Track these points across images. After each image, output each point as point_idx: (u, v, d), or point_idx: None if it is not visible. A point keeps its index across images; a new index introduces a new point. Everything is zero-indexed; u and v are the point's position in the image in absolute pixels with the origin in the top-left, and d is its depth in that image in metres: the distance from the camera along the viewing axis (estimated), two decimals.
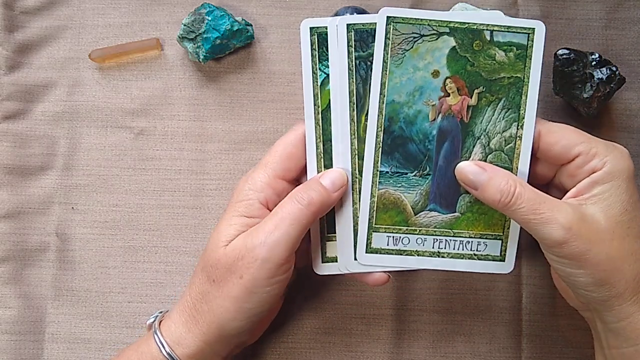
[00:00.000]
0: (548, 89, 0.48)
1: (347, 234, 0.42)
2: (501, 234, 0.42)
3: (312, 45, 0.42)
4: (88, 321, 0.49)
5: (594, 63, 0.46)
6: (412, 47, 0.41)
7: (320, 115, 0.42)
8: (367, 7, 0.49)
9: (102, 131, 0.50)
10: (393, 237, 0.42)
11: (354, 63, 0.41)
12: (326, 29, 0.42)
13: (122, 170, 0.50)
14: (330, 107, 0.42)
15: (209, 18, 0.47)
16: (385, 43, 0.41)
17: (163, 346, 0.40)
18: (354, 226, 0.42)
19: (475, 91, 0.41)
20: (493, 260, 0.42)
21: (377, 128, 0.41)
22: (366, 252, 0.42)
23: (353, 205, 0.42)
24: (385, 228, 0.42)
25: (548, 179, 0.42)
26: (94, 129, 0.50)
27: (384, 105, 0.41)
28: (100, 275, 0.49)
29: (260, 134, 0.50)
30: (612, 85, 0.46)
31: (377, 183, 0.41)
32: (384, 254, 0.42)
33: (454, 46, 0.41)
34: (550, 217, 0.36)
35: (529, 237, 0.47)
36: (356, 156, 0.41)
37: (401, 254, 0.42)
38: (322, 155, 0.42)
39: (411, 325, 0.48)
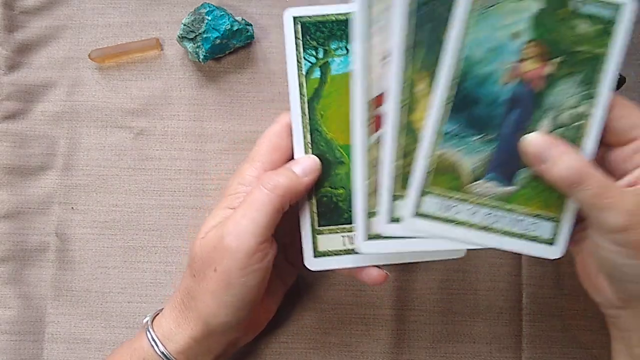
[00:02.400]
0: None
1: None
2: (557, 215, 0.39)
3: (295, 35, 0.41)
4: (88, 321, 0.49)
5: None
6: (496, 4, 0.38)
7: (306, 105, 0.41)
8: None
9: (102, 131, 0.50)
10: (445, 203, 0.39)
11: (414, 6, 0.38)
12: (309, 18, 0.41)
13: (122, 170, 0.50)
14: (315, 96, 0.41)
15: (209, 18, 0.47)
16: None
17: (155, 342, 0.40)
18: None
19: (555, 60, 0.39)
20: (542, 243, 0.39)
21: (450, 82, 0.38)
22: (415, 216, 0.39)
23: (395, 161, 0.39)
24: (438, 192, 0.39)
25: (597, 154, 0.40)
26: (94, 129, 0.50)
27: (461, 60, 0.38)
28: (100, 275, 0.49)
29: (260, 134, 0.49)
30: None
31: (439, 142, 0.39)
32: (432, 220, 0.39)
33: (540, 10, 0.38)
34: (615, 202, 0.35)
35: None
36: (406, 107, 0.39)
37: (450, 223, 0.39)
38: (309, 145, 0.41)
39: (411, 325, 0.48)
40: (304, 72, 0.41)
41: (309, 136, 0.41)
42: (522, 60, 0.39)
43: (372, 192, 0.40)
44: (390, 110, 0.39)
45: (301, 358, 0.48)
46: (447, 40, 0.38)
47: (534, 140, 0.37)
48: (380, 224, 0.39)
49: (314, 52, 0.41)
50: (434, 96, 0.39)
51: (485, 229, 0.39)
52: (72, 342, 0.48)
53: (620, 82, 0.46)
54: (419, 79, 0.39)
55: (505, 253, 0.48)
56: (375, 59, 0.39)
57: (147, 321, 0.42)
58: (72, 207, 0.50)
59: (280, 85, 0.50)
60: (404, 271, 0.48)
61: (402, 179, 0.39)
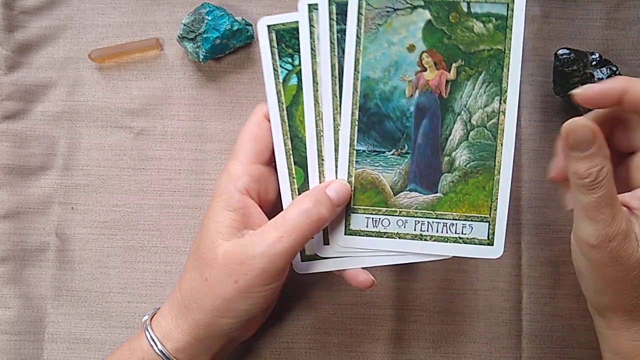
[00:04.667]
0: (548, 89, 0.48)
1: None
2: (487, 215, 0.40)
3: (270, 43, 0.41)
4: (88, 321, 0.49)
5: (594, 63, 0.46)
6: (385, 22, 0.39)
7: (285, 112, 0.41)
8: None
9: (102, 131, 0.50)
10: (372, 218, 0.40)
11: (335, 37, 0.40)
12: (283, 25, 0.41)
13: (122, 170, 0.50)
14: (294, 103, 0.41)
15: (209, 18, 0.47)
16: (358, 18, 0.39)
17: (153, 341, 0.40)
18: None
19: (454, 65, 0.39)
20: (480, 245, 0.40)
21: (352, 105, 0.40)
22: (345, 234, 0.40)
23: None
24: (364, 209, 0.40)
25: (624, 148, 0.39)
26: (94, 129, 0.50)
27: (359, 81, 0.40)
28: (100, 275, 0.49)
29: None
30: None
31: (354, 162, 0.40)
32: (363, 235, 0.40)
33: (430, 19, 0.39)
34: (605, 218, 0.34)
35: (530, 235, 0.47)
36: (339, 132, 0.40)
37: (381, 237, 0.40)
38: (290, 152, 0.41)
39: (411, 325, 0.48)
40: (280, 80, 0.41)
41: (289, 143, 0.41)
42: (422, 71, 0.40)
43: None
44: (327, 134, 0.40)
45: (301, 358, 0.48)
46: (345, 66, 0.40)
47: (581, 125, 0.35)
48: (314, 245, 0.41)
49: (289, 59, 0.41)
50: (342, 119, 0.40)
51: (418, 237, 0.40)
52: (72, 342, 0.48)
53: None
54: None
55: (505, 252, 0.48)
56: (325, 73, 0.41)
57: (145, 320, 0.42)
58: (72, 207, 0.50)
59: None
60: (404, 271, 0.48)
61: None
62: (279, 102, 0.41)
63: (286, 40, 0.41)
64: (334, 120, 0.40)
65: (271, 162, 0.42)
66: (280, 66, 0.41)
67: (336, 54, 0.40)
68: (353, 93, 0.40)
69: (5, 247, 0.49)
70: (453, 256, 0.40)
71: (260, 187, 0.41)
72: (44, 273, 0.49)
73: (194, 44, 0.48)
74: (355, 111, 0.40)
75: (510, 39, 0.39)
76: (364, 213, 0.40)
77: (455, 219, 0.40)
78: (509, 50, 0.39)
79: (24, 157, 0.50)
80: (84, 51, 0.50)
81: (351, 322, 0.48)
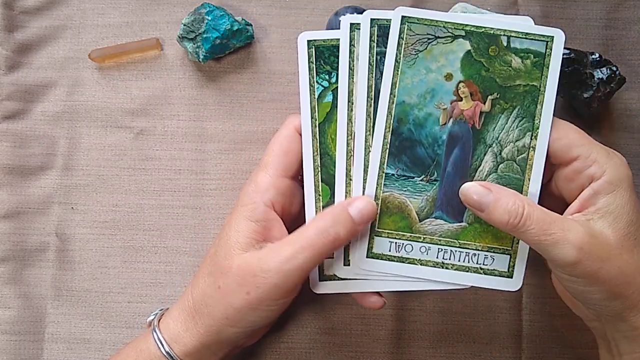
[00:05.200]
0: None
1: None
2: (509, 248, 0.40)
3: (309, 58, 0.41)
4: (88, 321, 0.49)
5: (594, 63, 0.46)
6: (425, 49, 0.40)
7: (317, 129, 0.41)
8: (367, 6, 0.49)
9: (102, 131, 0.50)
10: (396, 243, 0.40)
11: (374, 58, 0.40)
12: (323, 42, 0.41)
13: (122, 170, 0.50)
14: (327, 120, 0.41)
15: (209, 18, 0.47)
16: (398, 42, 0.40)
17: (161, 343, 0.40)
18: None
19: (489, 97, 0.40)
20: (500, 276, 0.40)
21: (385, 128, 0.40)
22: (367, 257, 0.40)
23: None
24: (388, 233, 0.40)
25: (547, 177, 0.41)
26: (94, 129, 0.50)
27: (394, 105, 0.40)
28: (100, 275, 0.49)
29: (260, 134, 0.50)
30: (612, 85, 0.46)
31: (382, 185, 0.40)
32: (385, 260, 0.40)
33: (469, 50, 0.40)
34: (561, 237, 0.35)
35: None
36: (369, 153, 0.40)
37: (403, 262, 0.40)
38: (319, 169, 0.41)
39: (411, 325, 0.48)
40: (316, 96, 0.41)
41: (318, 159, 0.41)
42: (457, 100, 0.40)
43: None
44: (357, 155, 0.40)
45: (301, 358, 0.48)
46: (381, 88, 0.40)
47: (469, 190, 0.38)
48: (335, 266, 0.41)
49: (327, 77, 0.41)
50: (374, 142, 0.40)
51: (440, 265, 0.40)
52: (72, 342, 0.48)
53: (620, 82, 0.46)
54: None
55: None
56: (361, 93, 0.41)
57: (151, 320, 0.42)
58: (72, 207, 0.50)
59: (280, 85, 0.50)
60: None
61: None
62: (312, 118, 0.41)
63: (325, 56, 0.41)
64: (366, 142, 0.40)
65: (298, 176, 0.42)
66: (317, 82, 0.41)
67: (374, 75, 0.40)
68: (387, 116, 0.40)
69: (5, 247, 0.49)
70: (471, 286, 0.40)
71: (285, 200, 0.41)
72: (44, 273, 0.49)
73: (194, 44, 0.48)
74: (388, 134, 0.40)
75: (547, 76, 0.40)
76: (387, 237, 0.40)
77: (478, 250, 0.40)
78: (545, 87, 0.40)
79: (24, 157, 0.50)
80: (84, 51, 0.50)
81: (351, 322, 0.48)
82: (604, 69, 0.46)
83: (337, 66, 0.41)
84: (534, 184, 0.40)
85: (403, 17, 0.40)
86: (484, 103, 0.40)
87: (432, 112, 0.40)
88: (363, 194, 0.40)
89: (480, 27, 0.40)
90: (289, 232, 0.39)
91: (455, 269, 0.40)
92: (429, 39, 0.40)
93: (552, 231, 0.36)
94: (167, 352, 0.39)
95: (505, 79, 0.40)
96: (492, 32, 0.40)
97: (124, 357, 0.41)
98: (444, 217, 0.40)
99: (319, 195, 0.41)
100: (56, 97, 0.50)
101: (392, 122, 0.40)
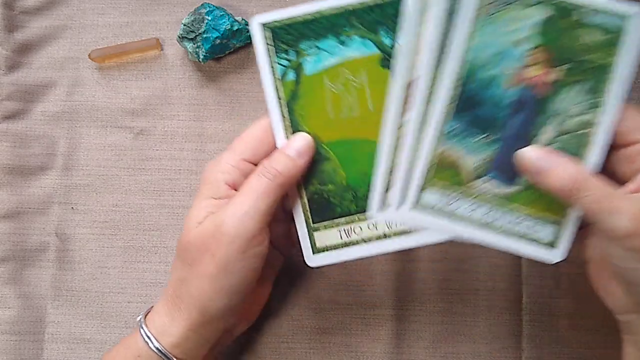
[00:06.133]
0: None
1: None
2: (559, 219, 0.39)
3: (266, 40, 0.41)
4: (88, 321, 0.49)
5: None
6: (501, 10, 0.39)
7: (285, 108, 0.41)
8: None
9: (102, 131, 0.50)
10: (446, 196, 0.40)
11: (448, 12, 0.39)
12: (277, 22, 0.41)
13: (122, 170, 0.50)
14: (292, 98, 0.41)
15: (209, 18, 0.47)
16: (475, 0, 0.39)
17: (149, 338, 0.40)
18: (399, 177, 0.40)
19: (560, 67, 0.39)
20: (543, 246, 0.40)
21: (455, 82, 0.39)
22: (413, 208, 0.40)
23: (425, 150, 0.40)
24: (440, 186, 0.40)
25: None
26: (94, 129, 0.50)
27: (464, 63, 0.39)
28: (100, 276, 0.49)
29: None
30: None
31: (441, 140, 0.39)
32: (433, 212, 0.40)
33: (547, 17, 0.39)
34: (618, 206, 0.35)
35: None
36: (427, 102, 0.40)
37: (450, 217, 0.40)
38: None
39: (411, 325, 0.48)
40: (278, 76, 0.41)
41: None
42: (527, 66, 0.39)
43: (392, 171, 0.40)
44: (418, 100, 0.39)
45: (301, 358, 0.48)
46: (451, 43, 0.39)
47: (528, 154, 0.38)
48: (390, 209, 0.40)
49: (285, 55, 0.41)
50: (438, 95, 0.39)
51: (485, 225, 0.40)
52: (72, 342, 0.48)
53: None
54: None
55: (505, 252, 0.48)
56: (423, 44, 0.40)
57: (139, 319, 0.42)
58: (72, 207, 0.50)
59: None
60: (404, 271, 0.48)
61: (432, 167, 0.40)
62: (278, 98, 0.41)
63: (281, 36, 0.41)
64: (428, 92, 0.40)
65: None
66: (277, 62, 0.41)
67: (445, 30, 0.39)
68: (457, 71, 0.39)
69: (5, 247, 0.49)
70: (511, 251, 0.40)
71: None
72: (44, 273, 0.49)
73: (194, 44, 0.48)
74: (457, 89, 0.39)
75: (620, 55, 0.39)
76: (439, 190, 0.40)
77: (527, 215, 0.40)
78: (617, 66, 0.39)
79: (24, 157, 0.50)
80: (84, 51, 0.50)
81: (351, 322, 0.48)
82: None
83: (294, 43, 0.41)
84: (594, 159, 0.39)
85: None
86: (554, 72, 0.39)
87: (499, 74, 0.39)
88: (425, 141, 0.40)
89: None
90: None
91: (501, 232, 0.40)
92: (506, 1, 0.39)
93: (609, 201, 0.35)
94: (157, 348, 0.39)
95: (579, 51, 0.39)
96: (571, 2, 0.39)
97: (114, 354, 0.41)
98: (498, 177, 0.40)
99: None
100: (56, 97, 0.50)
101: (462, 77, 0.39)
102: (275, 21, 0.41)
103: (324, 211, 0.41)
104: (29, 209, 0.50)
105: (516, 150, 0.39)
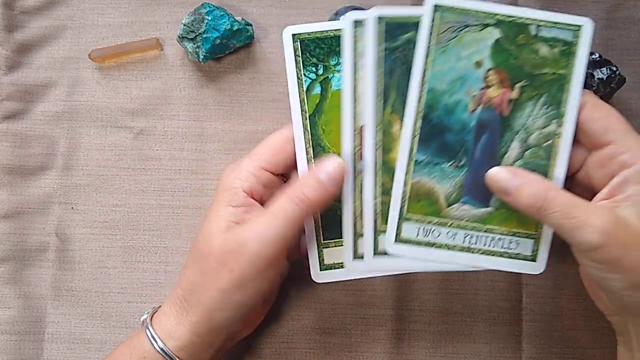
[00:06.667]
0: None
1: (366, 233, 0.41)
2: (534, 232, 0.41)
3: (295, 52, 0.42)
4: (88, 321, 0.49)
5: (594, 63, 0.46)
6: (456, 36, 0.40)
7: (308, 121, 0.42)
8: (367, 6, 0.49)
9: (102, 131, 0.50)
10: (424, 228, 0.41)
11: (382, 54, 0.40)
12: (308, 35, 0.42)
13: (122, 170, 0.50)
14: (316, 112, 0.42)
15: (209, 18, 0.47)
16: (430, 30, 0.40)
17: (154, 339, 0.40)
18: (375, 219, 0.41)
19: (517, 85, 0.40)
20: (524, 260, 0.41)
21: (416, 115, 0.40)
22: (395, 242, 0.41)
23: (375, 199, 0.41)
24: (416, 218, 0.41)
25: (577, 166, 0.41)
26: (94, 129, 0.50)
27: (424, 92, 0.40)
28: (100, 276, 0.49)
29: (260, 134, 0.50)
30: (612, 85, 0.46)
31: (412, 171, 0.41)
32: (413, 245, 0.41)
33: (499, 38, 0.40)
34: (585, 220, 0.35)
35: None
36: (380, 149, 0.41)
37: (431, 247, 0.41)
38: (312, 160, 0.41)
39: (411, 326, 0.48)
40: (304, 89, 0.42)
41: (311, 151, 0.42)
42: (486, 87, 0.40)
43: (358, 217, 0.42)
44: (367, 151, 0.41)
45: (301, 358, 0.48)
46: (412, 75, 0.40)
47: (496, 175, 0.39)
48: (365, 258, 0.41)
49: (314, 69, 0.42)
50: (404, 128, 0.40)
51: (466, 249, 0.41)
52: (72, 342, 0.48)
53: (620, 82, 0.46)
54: (393, 121, 0.41)
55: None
56: (369, 90, 0.41)
57: (145, 319, 0.42)
58: (72, 207, 0.50)
59: (281, 85, 0.50)
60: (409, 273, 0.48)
61: (383, 215, 0.41)
62: (302, 110, 0.42)
63: (311, 49, 0.42)
64: (375, 137, 0.41)
65: (284, 177, 0.43)
66: (305, 75, 0.42)
67: (382, 71, 0.41)
68: (418, 103, 0.40)
69: (5, 247, 0.49)
70: (494, 269, 0.41)
71: (265, 192, 0.41)
72: (44, 273, 0.49)
73: (194, 44, 0.48)
74: (419, 121, 0.40)
75: (574, 65, 0.40)
76: (416, 222, 0.41)
77: (503, 234, 0.41)
78: (571, 76, 0.40)
79: (24, 157, 0.50)
80: (84, 51, 0.50)
81: (351, 322, 0.48)
82: (604, 69, 0.46)
83: (323, 58, 0.42)
84: (560, 169, 0.40)
85: (435, 5, 0.40)
86: (512, 90, 0.40)
87: (461, 99, 0.41)
88: (375, 190, 0.41)
89: (510, 15, 0.40)
90: None
91: (481, 253, 0.41)
92: (459, 27, 0.40)
93: (576, 214, 0.36)
94: (161, 348, 0.39)
95: (533, 66, 0.40)
96: (521, 20, 0.40)
97: (117, 355, 0.41)
98: (471, 202, 0.41)
99: None
100: (56, 97, 0.50)
101: (422, 108, 0.40)
102: (306, 33, 0.42)
103: (335, 228, 0.42)
104: (29, 209, 0.50)
105: (485, 171, 0.40)
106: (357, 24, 0.41)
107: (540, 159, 0.40)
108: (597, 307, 0.43)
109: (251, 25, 0.49)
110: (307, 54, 0.42)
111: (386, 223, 0.41)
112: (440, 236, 0.41)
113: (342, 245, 0.42)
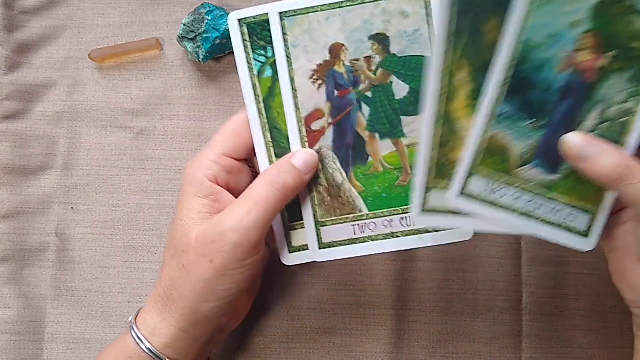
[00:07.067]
0: None
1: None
2: (593, 208, 0.40)
3: (242, 36, 0.42)
4: (88, 321, 0.49)
5: None
6: None
7: (262, 105, 0.41)
8: None
9: (102, 131, 0.50)
10: (492, 185, 0.39)
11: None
12: (254, 18, 0.41)
13: (122, 170, 0.50)
14: (270, 95, 0.41)
15: (209, 18, 0.47)
16: None
17: (140, 339, 0.39)
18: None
19: (609, 53, 0.39)
20: (578, 235, 0.40)
21: (506, 64, 0.39)
22: (459, 195, 0.39)
23: (432, 151, 0.40)
24: (485, 174, 0.39)
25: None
26: (94, 129, 0.50)
27: (519, 42, 0.38)
28: (100, 276, 0.49)
29: None
30: None
31: (492, 123, 0.39)
32: (477, 201, 0.39)
33: (599, 1, 0.38)
34: None
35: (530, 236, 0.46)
36: (445, 95, 0.39)
37: (494, 206, 0.40)
38: (270, 144, 0.41)
39: (411, 326, 0.48)
40: (255, 73, 0.41)
41: (268, 135, 0.41)
42: (578, 50, 0.39)
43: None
44: (429, 98, 0.39)
45: (301, 358, 0.48)
46: (507, 22, 0.38)
47: (573, 140, 0.38)
48: (414, 213, 0.40)
49: (262, 52, 0.41)
50: (491, 76, 0.39)
51: (526, 215, 0.40)
52: (72, 342, 0.48)
53: None
54: (458, 68, 0.39)
55: (505, 252, 0.48)
56: (303, 78, 0.41)
57: (131, 320, 0.41)
58: (72, 207, 0.50)
59: None
60: (403, 271, 0.48)
61: (437, 169, 0.39)
62: (255, 94, 0.41)
63: (258, 32, 0.41)
64: (442, 83, 0.39)
65: (246, 160, 0.42)
66: (254, 59, 0.42)
67: (457, 9, 0.39)
68: (511, 52, 0.38)
69: (5, 247, 0.49)
70: (548, 239, 0.40)
71: (229, 178, 0.41)
72: (44, 273, 0.49)
73: (194, 44, 0.48)
74: (510, 70, 0.39)
75: None
76: (484, 177, 0.40)
77: (565, 204, 0.40)
78: None
79: (24, 157, 0.50)
80: (83, 51, 0.50)
81: (351, 322, 0.48)
82: None
83: (271, 40, 0.41)
84: (629, 148, 0.39)
85: None
86: (603, 58, 0.39)
87: (552, 56, 0.39)
88: (432, 141, 0.40)
89: None
90: None
91: (540, 221, 0.40)
92: None
93: None
94: (148, 348, 0.39)
95: (627, 38, 0.39)
96: None
97: (105, 357, 0.41)
98: (542, 166, 0.40)
99: None
100: (56, 97, 0.50)
101: (514, 58, 0.39)
102: (252, 17, 0.41)
103: (299, 211, 0.41)
104: (29, 209, 0.50)
105: (560, 136, 0.38)
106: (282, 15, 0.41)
107: (613, 134, 0.39)
108: (599, 307, 0.42)
109: None
110: (255, 37, 0.41)
111: (440, 178, 0.39)
112: (504, 197, 0.39)
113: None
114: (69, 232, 0.49)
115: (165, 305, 0.40)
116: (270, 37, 0.41)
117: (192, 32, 0.48)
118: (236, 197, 0.40)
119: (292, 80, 0.41)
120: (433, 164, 0.39)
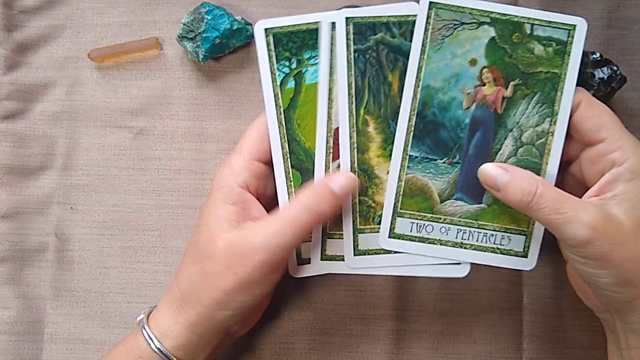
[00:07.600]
0: None
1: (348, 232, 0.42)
2: (526, 229, 0.41)
3: (267, 46, 0.42)
4: (87, 322, 0.48)
5: (594, 62, 0.46)
6: (451, 34, 0.41)
7: (282, 116, 0.42)
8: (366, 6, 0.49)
9: (101, 131, 0.50)
10: (417, 223, 0.41)
11: (352, 56, 0.41)
12: (281, 28, 0.42)
13: (121, 170, 0.50)
14: (291, 106, 0.42)
15: (209, 17, 0.47)
16: (425, 28, 0.41)
17: (151, 339, 0.39)
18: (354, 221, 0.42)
19: (511, 83, 0.41)
20: (515, 256, 0.42)
21: (411, 111, 0.41)
22: (389, 237, 0.41)
23: (353, 199, 0.42)
24: (410, 214, 0.41)
25: (572, 157, 0.42)
26: (93, 129, 0.50)
27: (419, 89, 0.41)
28: (100, 276, 0.49)
29: None
30: (613, 85, 0.45)
31: (406, 167, 0.41)
32: (406, 240, 0.42)
33: (494, 36, 0.41)
34: (573, 216, 0.36)
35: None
36: (355, 150, 0.41)
37: (424, 242, 0.41)
38: (287, 155, 0.42)
39: (411, 326, 0.48)
40: (278, 83, 0.42)
41: (286, 146, 0.42)
42: (481, 85, 0.41)
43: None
44: (343, 152, 0.41)
45: (301, 358, 0.48)
46: (407, 72, 0.41)
47: (488, 171, 0.39)
48: (347, 257, 0.42)
49: (287, 63, 0.42)
50: (399, 124, 0.41)
51: (458, 245, 0.42)
52: (71, 342, 0.48)
53: (621, 81, 0.46)
54: (363, 123, 0.42)
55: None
56: (342, 91, 0.42)
57: (141, 319, 0.41)
58: (72, 207, 0.49)
59: None
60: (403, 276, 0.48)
61: (361, 215, 0.42)
62: (276, 105, 0.42)
63: (283, 43, 0.42)
64: (350, 139, 0.41)
65: (271, 162, 0.43)
66: (278, 69, 0.42)
67: (353, 73, 0.41)
68: (413, 99, 0.41)
69: (4, 247, 0.49)
70: (486, 265, 0.42)
71: (259, 183, 0.42)
72: (44, 273, 0.49)
73: (194, 43, 0.48)
74: (413, 117, 0.41)
75: (568, 64, 0.41)
76: (409, 218, 0.41)
77: (496, 230, 0.42)
78: (565, 75, 0.41)
79: (23, 157, 0.50)
80: (83, 51, 0.50)
81: (351, 322, 0.48)
82: (605, 68, 0.46)
83: (297, 52, 0.42)
84: (552, 167, 0.41)
85: (431, 2, 0.41)
86: (506, 88, 0.41)
87: (456, 96, 0.41)
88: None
89: (505, 14, 0.41)
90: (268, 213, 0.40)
91: (473, 249, 0.41)
92: (455, 24, 0.41)
93: (565, 210, 0.36)
94: (158, 348, 0.39)
95: (527, 65, 0.41)
96: (516, 19, 0.41)
97: (114, 356, 0.41)
98: (464, 198, 0.42)
99: (290, 181, 0.42)
100: (55, 96, 0.50)
101: (417, 104, 0.41)
102: (278, 27, 0.42)
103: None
104: (28, 209, 0.49)
105: (478, 168, 0.40)
106: (334, 25, 0.42)
107: (533, 156, 0.41)
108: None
109: (251, 24, 0.49)
110: (280, 48, 0.42)
111: (365, 223, 0.42)
112: (433, 231, 0.41)
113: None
114: (68, 232, 0.49)
115: (180, 308, 0.40)
116: (297, 48, 0.42)
117: (192, 31, 0.48)
118: (263, 203, 0.41)
119: (330, 90, 0.42)
120: (356, 210, 0.42)
